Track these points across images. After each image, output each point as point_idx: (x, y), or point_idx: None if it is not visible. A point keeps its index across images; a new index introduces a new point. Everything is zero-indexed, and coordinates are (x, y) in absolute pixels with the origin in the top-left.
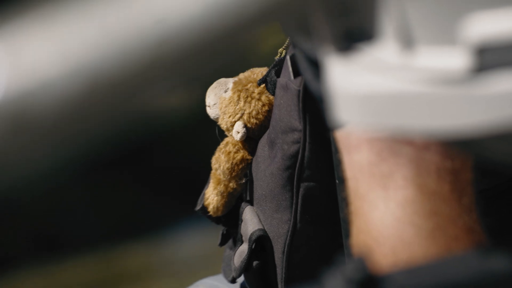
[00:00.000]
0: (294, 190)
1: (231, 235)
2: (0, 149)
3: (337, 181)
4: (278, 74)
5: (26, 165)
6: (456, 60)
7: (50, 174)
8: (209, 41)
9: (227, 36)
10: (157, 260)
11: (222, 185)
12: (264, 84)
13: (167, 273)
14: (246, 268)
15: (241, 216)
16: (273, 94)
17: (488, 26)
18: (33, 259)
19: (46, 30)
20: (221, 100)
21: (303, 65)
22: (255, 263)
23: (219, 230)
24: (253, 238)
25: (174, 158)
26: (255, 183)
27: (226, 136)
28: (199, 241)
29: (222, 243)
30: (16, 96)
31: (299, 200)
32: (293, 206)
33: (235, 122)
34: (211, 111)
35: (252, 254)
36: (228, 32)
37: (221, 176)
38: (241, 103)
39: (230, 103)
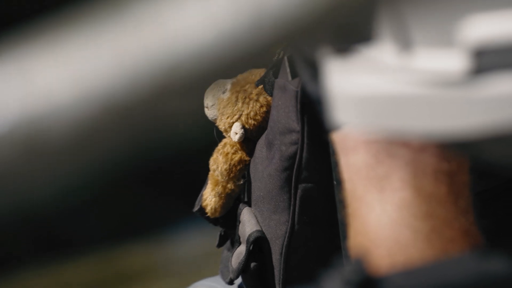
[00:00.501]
0: (292, 191)
1: (229, 237)
2: (13, 172)
3: (335, 183)
4: (276, 75)
5: (38, 188)
6: (454, 62)
7: (61, 195)
8: (220, 66)
9: (238, 62)
10: (158, 260)
11: (220, 186)
12: (262, 85)
13: (167, 273)
14: (243, 270)
15: (239, 217)
16: (271, 95)
17: (486, 28)
18: (34, 259)
19: (59, 55)
20: (219, 101)
21: (301, 66)
22: (252, 264)
23: (219, 230)
24: (251, 239)
25: (175, 159)
26: (253, 184)
27: (224, 137)
28: (200, 241)
29: (220, 244)
30: (29, 120)
31: (297, 202)
32: (291, 207)
33: (233, 123)
34: (209, 112)
35: (250, 255)
36: (238, 58)
37: (219, 177)
38: (239, 104)
39: (228, 104)
